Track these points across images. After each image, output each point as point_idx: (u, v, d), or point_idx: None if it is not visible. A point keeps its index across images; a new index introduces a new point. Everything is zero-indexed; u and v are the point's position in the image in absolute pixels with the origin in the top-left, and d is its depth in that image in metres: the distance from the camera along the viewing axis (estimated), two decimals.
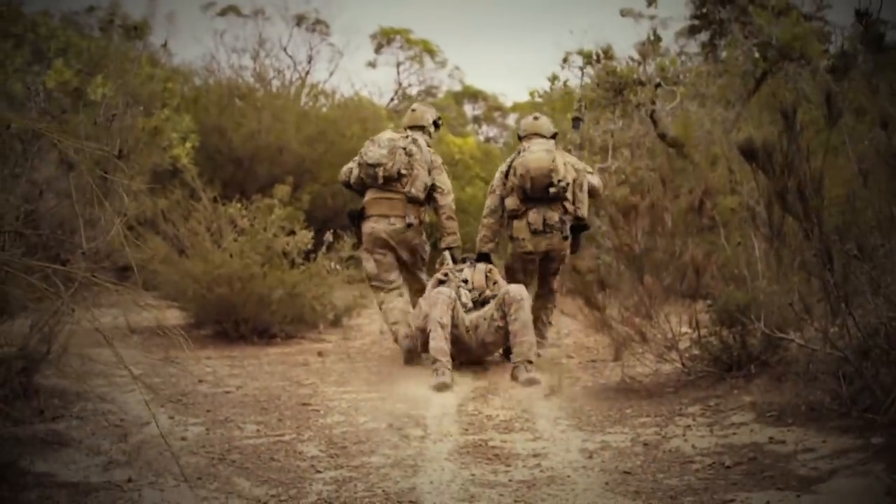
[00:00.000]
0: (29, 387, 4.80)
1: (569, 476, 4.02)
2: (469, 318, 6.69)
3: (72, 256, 4.35)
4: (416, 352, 6.89)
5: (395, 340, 7.27)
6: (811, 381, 4.55)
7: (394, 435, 4.84)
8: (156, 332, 7.64)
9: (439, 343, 6.29)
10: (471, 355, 6.77)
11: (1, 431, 4.24)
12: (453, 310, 6.53)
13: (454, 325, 6.50)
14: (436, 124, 7.72)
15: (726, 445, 4.34)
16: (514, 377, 6.32)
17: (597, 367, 6.54)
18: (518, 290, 6.57)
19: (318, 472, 4.18)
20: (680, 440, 4.51)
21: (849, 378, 4.27)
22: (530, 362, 6.28)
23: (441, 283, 6.95)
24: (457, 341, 6.52)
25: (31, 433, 4.35)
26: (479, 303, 6.91)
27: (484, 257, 7.35)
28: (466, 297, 6.89)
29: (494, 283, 7.10)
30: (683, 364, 5.68)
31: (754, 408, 4.82)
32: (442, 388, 6.02)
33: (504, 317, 6.53)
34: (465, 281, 7.04)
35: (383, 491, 3.85)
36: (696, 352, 5.69)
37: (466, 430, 4.94)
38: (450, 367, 6.23)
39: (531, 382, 6.11)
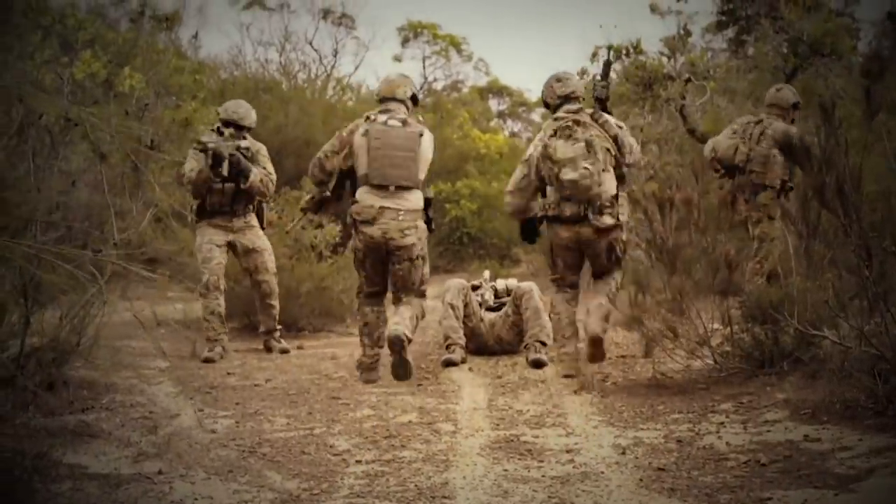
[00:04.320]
0: (59, 378, 4.81)
1: (602, 472, 3.98)
2: (489, 317, 7.17)
3: (103, 247, 4.34)
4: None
5: None
6: (846, 379, 4.50)
7: (425, 429, 4.81)
8: (183, 324, 7.66)
9: (451, 322, 6.84)
10: (488, 349, 7.14)
11: (32, 423, 4.25)
12: (466, 296, 7.06)
13: (467, 316, 7.00)
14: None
15: (761, 443, 4.29)
16: (525, 358, 6.64)
17: (627, 363, 6.48)
18: (527, 284, 7.18)
19: (350, 465, 4.15)
20: (714, 437, 4.45)
21: (885, 376, 4.22)
22: (542, 343, 6.66)
23: (475, 288, 7.44)
24: (474, 334, 7.02)
25: (62, 424, 4.35)
26: (501, 306, 7.28)
27: None
28: (490, 294, 7.39)
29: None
30: (715, 360, 5.62)
31: (788, 405, 4.76)
32: (450, 363, 6.52)
33: (518, 311, 6.98)
34: (496, 289, 7.50)
35: (416, 486, 3.81)
36: (727, 348, 5.63)
37: (497, 425, 4.90)
38: (462, 343, 6.75)
39: (538, 363, 6.45)
